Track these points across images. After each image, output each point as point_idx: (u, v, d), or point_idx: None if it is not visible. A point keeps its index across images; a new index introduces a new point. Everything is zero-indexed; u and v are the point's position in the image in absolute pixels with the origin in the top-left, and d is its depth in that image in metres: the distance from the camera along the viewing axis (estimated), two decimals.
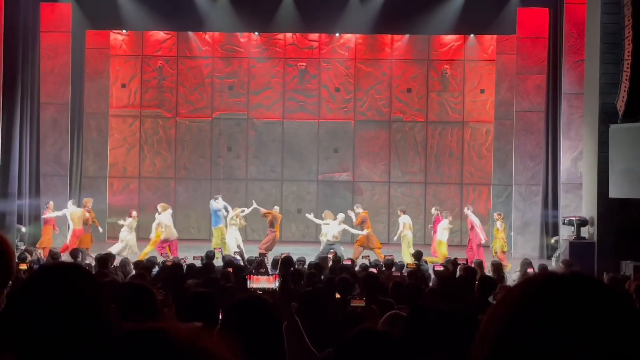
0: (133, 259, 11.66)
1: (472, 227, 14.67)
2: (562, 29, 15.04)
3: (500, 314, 0.99)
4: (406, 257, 13.89)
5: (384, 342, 2.42)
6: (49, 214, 14.84)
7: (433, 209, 16.01)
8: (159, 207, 15.13)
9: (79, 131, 18.14)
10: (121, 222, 14.97)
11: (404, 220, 15.17)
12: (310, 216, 15.92)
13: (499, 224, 14.60)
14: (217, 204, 15.62)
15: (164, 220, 14.75)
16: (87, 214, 14.87)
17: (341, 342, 2.46)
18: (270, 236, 15.35)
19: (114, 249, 13.73)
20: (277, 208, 16.34)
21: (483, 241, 14.60)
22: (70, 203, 15.37)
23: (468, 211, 14.95)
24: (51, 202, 15.16)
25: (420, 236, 19.40)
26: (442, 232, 14.90)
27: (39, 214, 15.99)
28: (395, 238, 15.57)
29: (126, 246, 14.44)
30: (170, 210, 15.18)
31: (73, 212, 14.68)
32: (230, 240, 14.94)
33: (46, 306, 1.64)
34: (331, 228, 14.72)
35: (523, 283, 1.02)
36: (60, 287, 1.69)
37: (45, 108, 17.04)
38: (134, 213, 15.15)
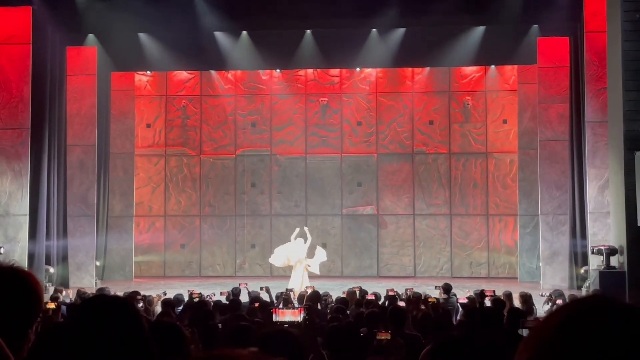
0: None
1: None
2: (583, 57, 14.98)
3: (541, 337, 0.89)
4: None
5: None
6: None
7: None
8: None
9: (105, 171, 18.38)
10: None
11: None
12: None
13: None
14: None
15: None
16: None
17: None
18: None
19: None
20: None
21: None
22: None
23: None
24: None
25: (447, 268, 19.28)
26: None
27: (66, 254, 16.13)
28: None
29: None
30: None
31: None
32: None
33: (102, 336, 1.65)
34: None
35: (567, 307, 0.91)
36: (120, 318, 1.70)
37: (72, 150, 17.32)
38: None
